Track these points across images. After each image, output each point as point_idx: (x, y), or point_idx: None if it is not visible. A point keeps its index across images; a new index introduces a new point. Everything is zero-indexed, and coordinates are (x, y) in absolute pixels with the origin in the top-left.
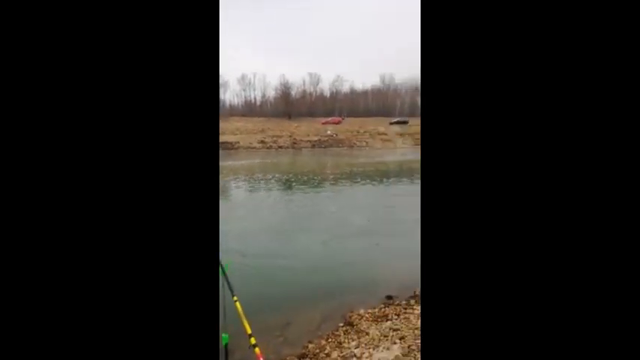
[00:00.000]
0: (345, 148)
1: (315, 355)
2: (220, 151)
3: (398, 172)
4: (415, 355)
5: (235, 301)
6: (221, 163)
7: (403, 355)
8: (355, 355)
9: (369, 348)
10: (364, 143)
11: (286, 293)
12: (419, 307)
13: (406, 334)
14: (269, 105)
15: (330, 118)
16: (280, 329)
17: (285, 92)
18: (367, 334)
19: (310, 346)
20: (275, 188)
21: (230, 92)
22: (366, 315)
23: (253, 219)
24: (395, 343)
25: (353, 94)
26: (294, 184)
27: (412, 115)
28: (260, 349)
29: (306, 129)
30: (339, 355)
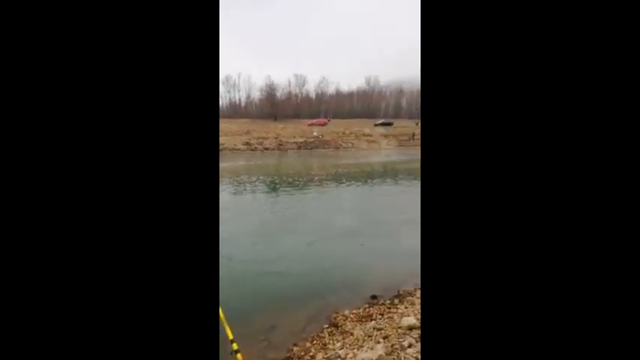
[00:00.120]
0: (331, 149)
1: (299, 357)
2: None
3: (382, 173)
4: (398, 354)
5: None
6: None
7: (386, 354)
8: (340, 356)
9: (353, 348)
10: (350, 144)
11: (271, 296)
12: (402, 306)
13: (390, 333)
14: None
15: (316, 120)
16: (264, 333)
17: (270, 93)
18: (352, 334)
19: (295, 348)
20: (260, 190)
21: None
22: (351, 315)
23: (238, 222)
24: (379, 342)
25: (339, 96)
26: (279, 186)
27: (396, 116)
28: (242, 355)
29: (291, 130)
30: (323, 357)
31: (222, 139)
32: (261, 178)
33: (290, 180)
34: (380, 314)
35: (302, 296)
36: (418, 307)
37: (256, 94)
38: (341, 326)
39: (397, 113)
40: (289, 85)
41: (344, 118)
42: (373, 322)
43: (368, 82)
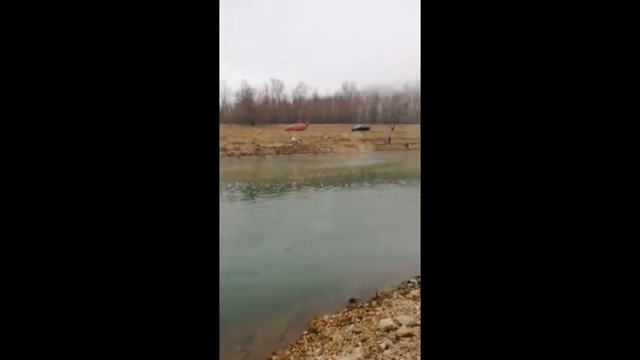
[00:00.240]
0: (310, 154)
1: None
2: None
3: (360, 177)
4: (376, 355)
5: None
6: None
7: (365, 357)
8: None
9: (332, 354)
10: (329, 149)
11: (248, 304)
12: (380, 308)
13: (368, 335)
14: (230, 111)
15: (294, 125)
16: (242, 343)
17: (247, 98)
18: (331, 339)
19: (274, 358)
20: (238, 198)
21: None
22: (330, 320)
23: None
24: (357, 345)
25: (316, 102)
26: (257, 192)
27: (373, 122)
28: None
29: (269, 135)
30: None
31: None
32: (237, 184)
33: (268, 186)
34: (359, 317)
35: (280, 303)
36: (395, 308)
37: (232, 99)
38: (320, 332)
39: (373, 118)
40: (266, 90)
41: (322, 123)
42: (352, 325)
43: (345, 88)
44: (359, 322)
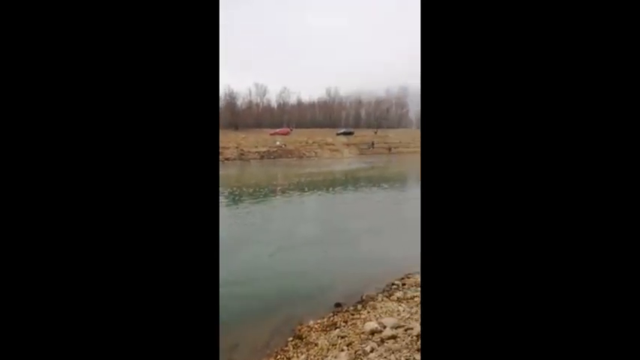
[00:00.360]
0: (295, 158)
1: None
2: None
3: (344, 181)
4: (362, 359)
5: None
6: None
7: None
8: None
9: (318, 359)
10: (313, 153)
11: (232, 312)
12: (365, 312)
13: (353, 339)
14: None
15: (278, 129)
16: (227, 352)
17: (230, 102)
18: (316, 345)
19: None
20: (222, 203)
21: None
22: (315, 326)
23: None
24: (342, 350)
25: (300, 106)
26: (240, 197)
27: (356, 126)
28: None
29: (254, 140)
30: None
31: None
32: (220, 190)
33: (251, 191)
34: (344, 322)
35: (265, 310)
36: (380, 311)
37: None
38: (305, 337)
39: (357, 123)
40: (250, 95)
41: (306, 127)
42: (337, 330)
43: (329, 93)
44: (344, 326)
